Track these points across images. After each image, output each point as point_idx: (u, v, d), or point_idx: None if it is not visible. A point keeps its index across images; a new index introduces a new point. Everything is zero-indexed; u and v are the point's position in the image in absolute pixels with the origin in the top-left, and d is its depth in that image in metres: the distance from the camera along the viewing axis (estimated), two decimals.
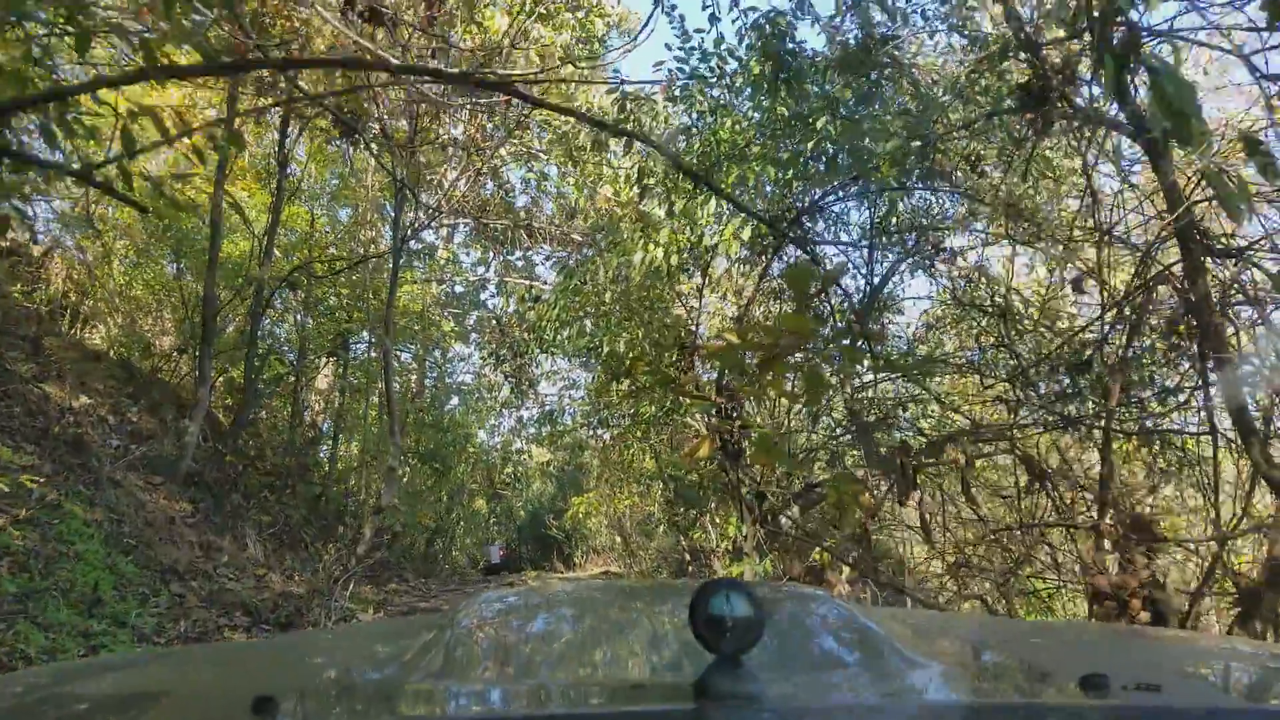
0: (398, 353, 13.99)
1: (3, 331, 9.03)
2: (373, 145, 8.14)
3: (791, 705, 1.11)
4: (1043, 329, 4.46)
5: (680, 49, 4.86)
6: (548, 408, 8.06)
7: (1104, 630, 2.53)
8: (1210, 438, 3.86)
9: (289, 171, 10.67)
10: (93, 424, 8.85)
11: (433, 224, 11.04)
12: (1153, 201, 4.16)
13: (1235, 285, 3.69)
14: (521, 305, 6.27)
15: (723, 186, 4.49)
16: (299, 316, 11.75)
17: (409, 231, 9.75)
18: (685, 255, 4.91)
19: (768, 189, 4.90)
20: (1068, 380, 4.25)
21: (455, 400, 17.79)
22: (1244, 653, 1.83)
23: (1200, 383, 3.87)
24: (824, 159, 4.47)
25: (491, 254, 19.66)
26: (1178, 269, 3.69)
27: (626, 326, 5.98)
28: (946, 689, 1.38)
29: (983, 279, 5.04)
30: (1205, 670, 1.59)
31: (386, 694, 1.40)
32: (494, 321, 17.28)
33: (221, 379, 11.44)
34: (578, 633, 1.79)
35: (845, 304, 6.40)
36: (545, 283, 19.83)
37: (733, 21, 4.77)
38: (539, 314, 6.17)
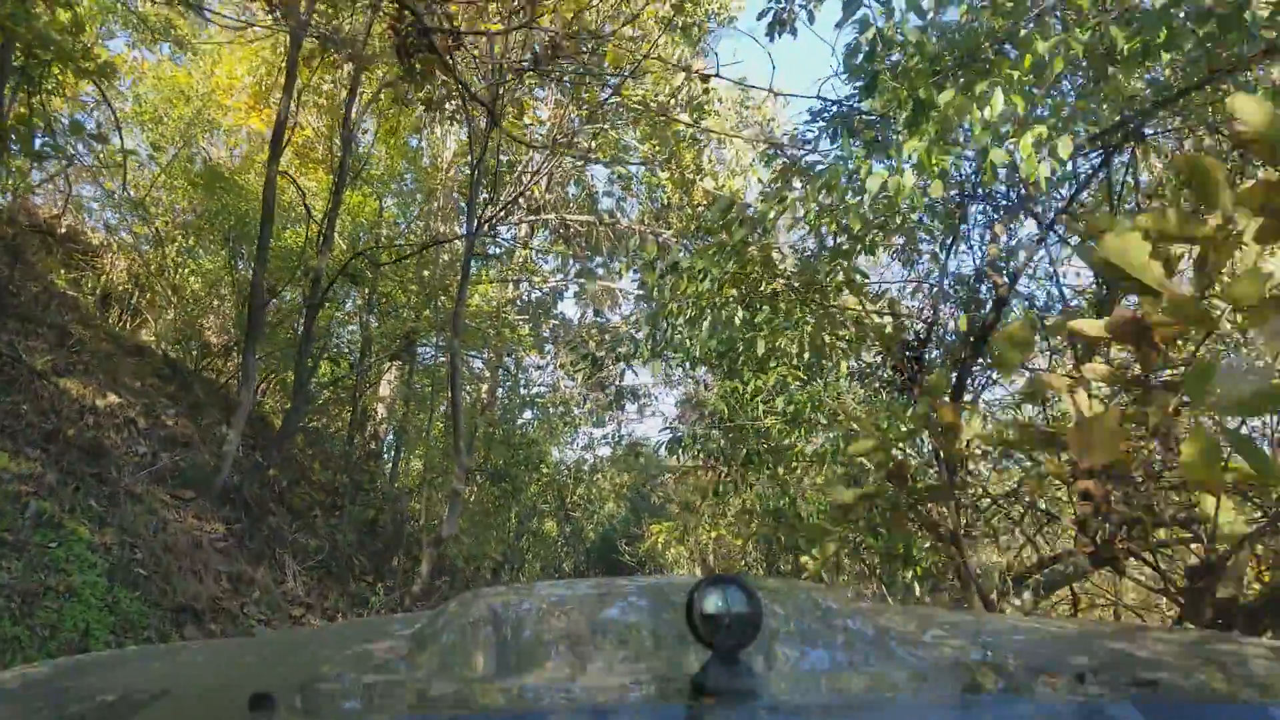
0: (467, 359, 12.63)
1: (27, 318, 7.94)
2: (455, 85, 6.70)
3: (788, 701, 1.11)
4: None
5: None
6: (676, 433, 6.46)
7: (1103, 628, 2.42)
8: None
9: (354, 147, 9.41)
10: (117, 426, 7.65)
11: (514, 202, 9.66)
12: None
13: None
14: (649, 275, 4.65)
15: (1016, 72, 2.86)
16: (362, 314, 10.48)
17: (486, 213, 8.35)
18: (956, 180, 3.26)
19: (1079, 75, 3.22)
20: None
21: (528, 414, 16.38)
22: (1244, 649, 1.69)
23: None
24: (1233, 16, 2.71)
25: (572, 258, 18.34)
26: None
27: (802, 314, 4.32)
28: (942, 684, 1.35)
29: None
30: (1205, 666, 1.50)
31: (382, 691, 1.37)
32: (592, 316, 15.86)
33: (275, 381, 10.24)
34: (574, 629, 1.77)
35: None
36: (623, 288, 18.41)
37: None
38: (679, 290, 4.54)
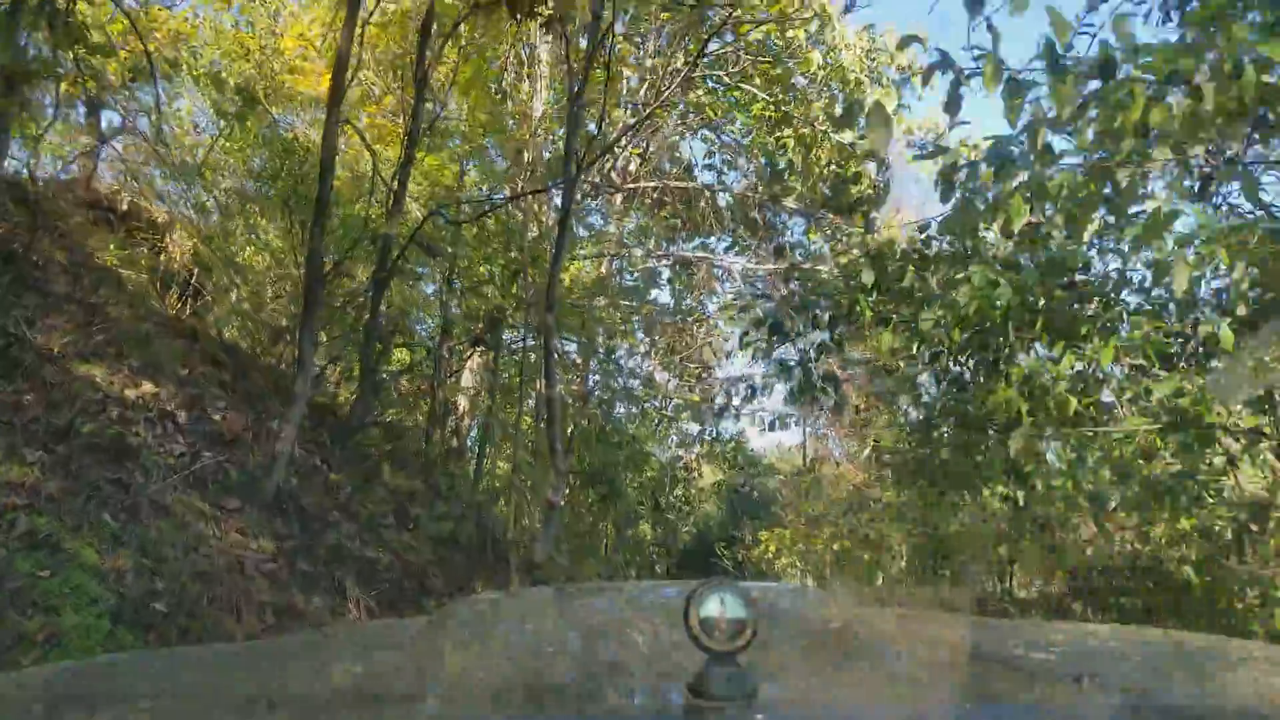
0: (561, 343, 11.09)
1: (48, 293, 6.74)
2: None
3: (786, 705, 1.13)
4: None
5: None
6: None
7: (1097, 632, 2.44)
8: None
9: (429, 91, 7.96)
10: (149, 421, 6.36)
11: (616, 144, 8.09)
12: None
13: None
14: (1014, 103, 2.80)
15: None
16: (440, 291, 9.01)
17: (583, 156, 6.74)
18: None
19: None
20: None
21: (621, 407, 14.73)
22: (1240, 654, 1.78)
23: None
24: None
25: (665, 243, 16.71)
26: None
27: None
28: (940, 689, 1.37)
29: None
30: (1198, 671, 1.54)
31: (381, 696, 1.34)
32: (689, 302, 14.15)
33: (340, 369, 8.91)
34: (572, 634, 1.77)
35: None
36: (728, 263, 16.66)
37: None
38: (1117, 123, 2.60)
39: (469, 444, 10.68)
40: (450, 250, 8.91)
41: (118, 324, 7.14)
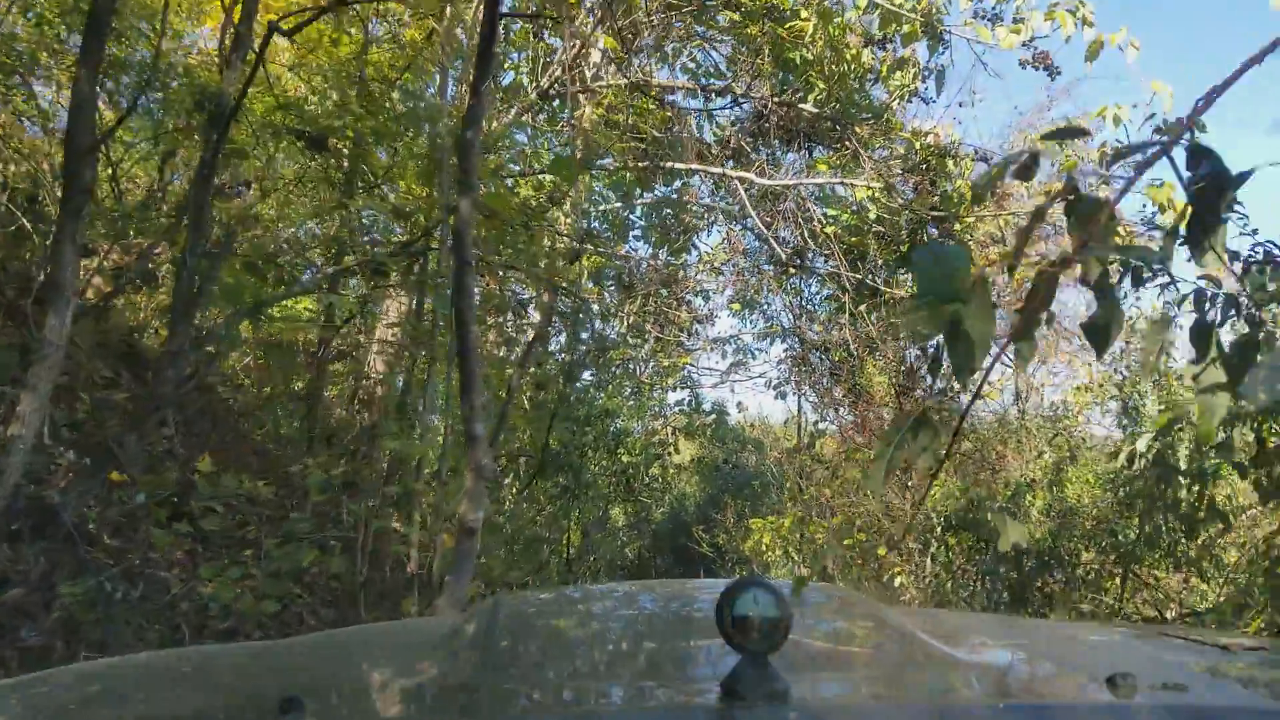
0: (510, 291, 8.28)
1: None
2: None
3: (818, 704, 1.10)
4: None
5: None
6: None
7: (1130, 631, 2.39)
8: None
9: None
10: None
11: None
12: None
13: None
14: None
15: None
16: (314, 188, 6.08)
17: None
18: None
19: None
20: None
21: (587, 375, 11.92)
22: (1272, 653, 1.71)
23: None
24: None
25: (639, 191, 13.88)
26: None
27: None
28: (973, 688, 1.34)
29: None
30: (1232, 670, 1.50)
31: (413, 693, 1.34)
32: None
33: (156, 303, 6.09)
34: (605, 632, 1.77)
35: None
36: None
37: None
38: None
39: (388, 423, 7.84)
40: (344, 142, 6.10)
41: None
